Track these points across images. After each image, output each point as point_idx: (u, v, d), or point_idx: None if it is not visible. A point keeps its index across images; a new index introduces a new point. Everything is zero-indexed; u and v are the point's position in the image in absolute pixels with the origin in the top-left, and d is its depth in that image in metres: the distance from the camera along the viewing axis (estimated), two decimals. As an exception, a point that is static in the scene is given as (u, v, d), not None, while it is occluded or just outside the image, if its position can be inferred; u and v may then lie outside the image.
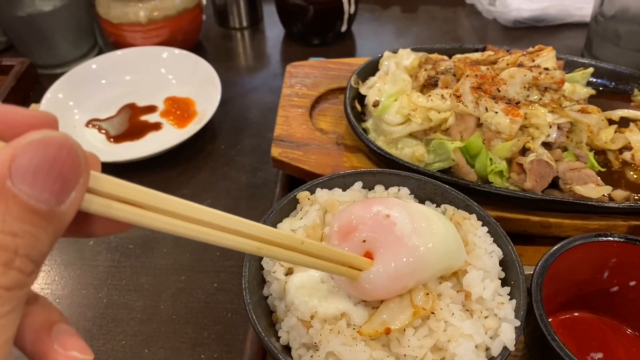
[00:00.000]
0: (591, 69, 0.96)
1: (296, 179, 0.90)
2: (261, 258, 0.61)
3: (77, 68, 1.19)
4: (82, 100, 1.16)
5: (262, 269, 0.61)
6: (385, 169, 0.74)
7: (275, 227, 0.65)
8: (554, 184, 0.79)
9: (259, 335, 0.54)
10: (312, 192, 0.68)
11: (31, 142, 0.27)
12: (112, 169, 1.05)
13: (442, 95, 0.85)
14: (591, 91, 0.93)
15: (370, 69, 0.99)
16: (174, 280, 0.87)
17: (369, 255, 0.52)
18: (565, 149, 0.82)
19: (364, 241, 0.52)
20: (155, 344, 0.78)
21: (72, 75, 1.17)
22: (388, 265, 0.51)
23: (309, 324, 0.54)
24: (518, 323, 0.54)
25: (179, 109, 1.15)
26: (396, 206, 0.55)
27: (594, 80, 0.98)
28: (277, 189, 0.94)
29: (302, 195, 0.67)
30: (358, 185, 0.69)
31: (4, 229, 0.26)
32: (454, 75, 0.89)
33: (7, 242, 0.26)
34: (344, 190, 0.69)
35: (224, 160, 1.09)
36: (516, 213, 0.78)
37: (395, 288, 0.53)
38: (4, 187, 0.26)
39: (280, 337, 0.56)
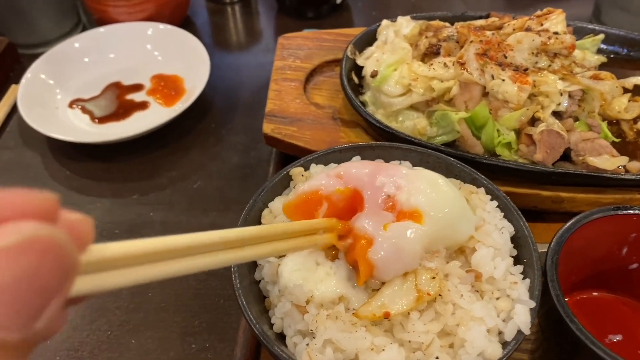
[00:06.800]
0: (602, 35, 0.91)
1: (291, 157, 0.84)
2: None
3: (58, 46, 1.14)
4: (65, 80, 1.11)
5: (253, 250, 0.56)
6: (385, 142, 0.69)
7: (267, 206, 0.61)
8: (566, 155, 0.75)
9: (249, 323, 0.49)
10: (307, 168, 0.65)
11: (4, 250, 0.19)
12: (98, 150, 1.00)
13: (444, 64, 0.79)
14: (602, 59, 0.88)
15: (368, 39, 0.94)
16: (162, 266, 0.82)
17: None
18: (576, 119, 0.78)
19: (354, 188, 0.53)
20: (143, 334, 0.74)
21: (53, 54, 1.12)
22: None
23: (305, 310, 0.50)
24: (533, 304, 0.50)
25: (166, 86, 1.10)
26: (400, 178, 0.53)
27: (605, 47, 0.93)
28: (271, 168, 0.89)
29: (296, 171, 0.63)
30: (356, 160, 0.64)
31: None
32: (457, 42, 0.84)
33: None
34: (340, 165, 0.64)
35: (214, 139, 1.04)
36: (526, 188, 0.75)
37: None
38: None
39: (273, 324, 0.52)
